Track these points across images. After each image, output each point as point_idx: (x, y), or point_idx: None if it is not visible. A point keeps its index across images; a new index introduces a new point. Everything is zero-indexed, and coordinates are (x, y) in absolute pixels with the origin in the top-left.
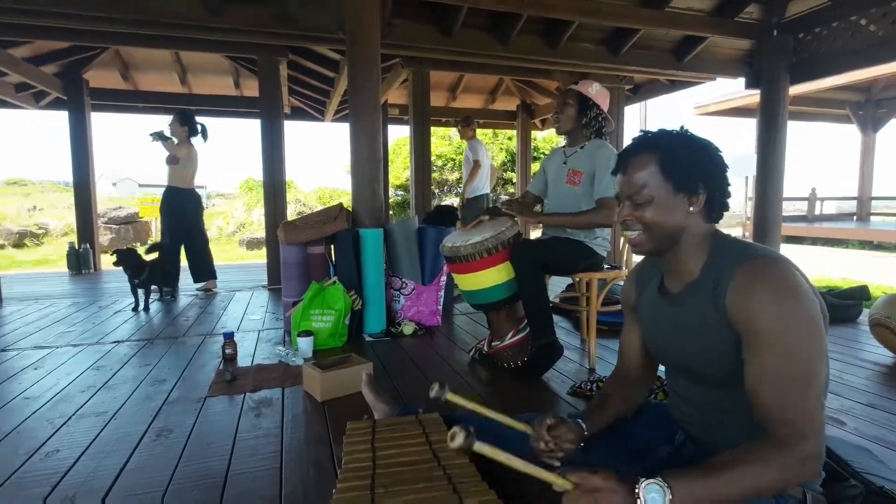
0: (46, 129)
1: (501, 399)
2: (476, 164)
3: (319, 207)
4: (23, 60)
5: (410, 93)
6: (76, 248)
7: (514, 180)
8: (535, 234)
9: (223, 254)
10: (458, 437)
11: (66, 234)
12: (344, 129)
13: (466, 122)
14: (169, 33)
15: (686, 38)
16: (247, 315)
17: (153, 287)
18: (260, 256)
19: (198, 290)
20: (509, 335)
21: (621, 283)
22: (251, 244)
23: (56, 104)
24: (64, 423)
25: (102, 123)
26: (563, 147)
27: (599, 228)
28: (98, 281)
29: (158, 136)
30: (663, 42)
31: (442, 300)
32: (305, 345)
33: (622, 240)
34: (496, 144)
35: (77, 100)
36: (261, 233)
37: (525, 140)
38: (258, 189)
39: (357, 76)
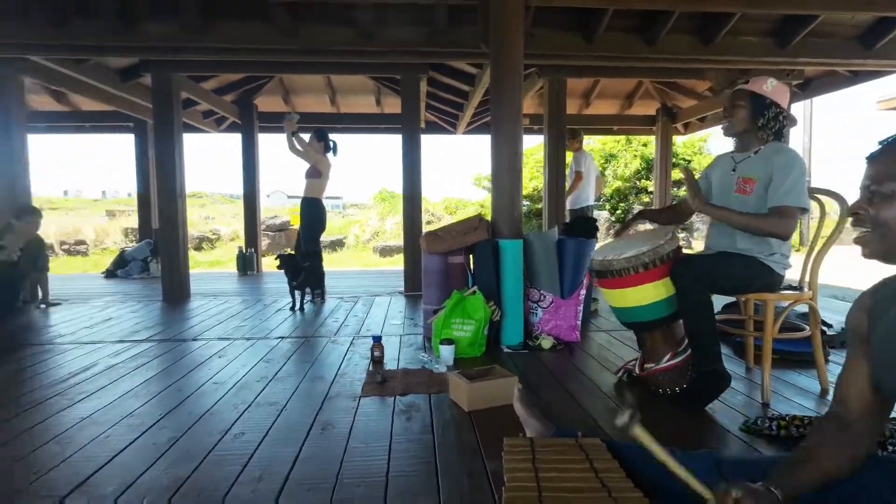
0: (214, 148)
1: (656, 429)
2: (578, 176)
3: (447, 217)
4: (210, 92)
5: (546, 102)
6: (243, 252)
7: (650, 189)
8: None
9: (359, 260)
10: (623, 416)
11: (233, 240)
12: (472, 140)
13: (573, 133)
14: (327, 59)
15: (878, 21)
16: (388, 319)
17: (307, 289)
18: (392, 263)
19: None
20: (666, 358)
21: (800, 308)
22: (384, 251)
23: (232, 127)
24: (246, 409)
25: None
26: (731, 152)
27: (777, 243)
28: (260, 281)
29: (290, 117)
30: (846, 27)
31: (581, 315)
32: (447, 353)
33: (806, 256)
34: (629, 151)
35: (248, 123)
36: (393, 240)
37: (665, 146)
38: (390, 200)
39: (500, 88)
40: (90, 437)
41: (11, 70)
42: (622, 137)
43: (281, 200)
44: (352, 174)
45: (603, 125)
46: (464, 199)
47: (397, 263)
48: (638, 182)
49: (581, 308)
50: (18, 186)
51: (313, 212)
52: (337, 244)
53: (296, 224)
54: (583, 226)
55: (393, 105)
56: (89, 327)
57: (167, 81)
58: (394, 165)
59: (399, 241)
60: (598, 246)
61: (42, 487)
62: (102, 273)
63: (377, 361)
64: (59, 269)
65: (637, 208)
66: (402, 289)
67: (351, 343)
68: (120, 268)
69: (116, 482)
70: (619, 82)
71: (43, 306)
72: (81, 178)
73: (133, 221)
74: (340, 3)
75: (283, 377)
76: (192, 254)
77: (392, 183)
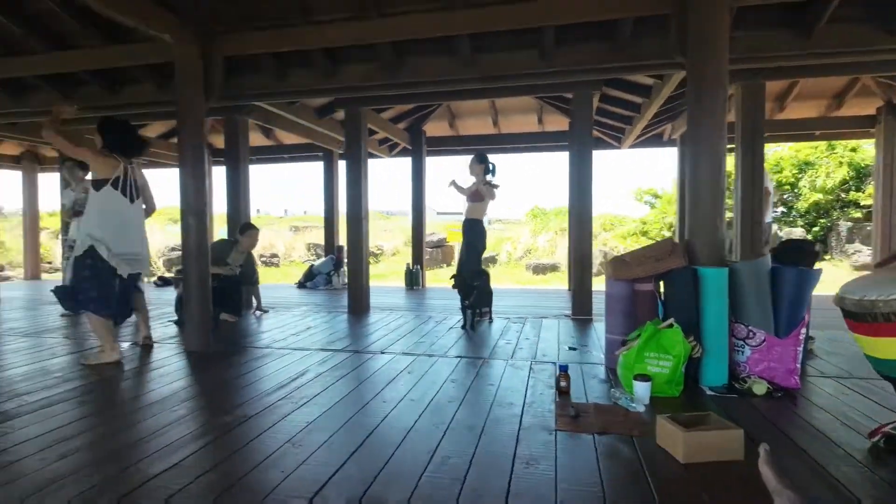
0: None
1: None
2: (765, 192)
3: (603, 234)
4: (388, 121)
5: (739, 109)
6: (410, 268)
7: (862, 202)
8: None
9: (512, 277)
10: None
11: (395, 255)
12: (632, 154)
13: None
14: (502, 84)
15: None
16: (561, 345)
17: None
18: (545, 281)
19: None
20: None
21: None
22: (537, 269)
23: (402, 152)
24: (446, 430)
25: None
26: None
27: None
28: (425, 297)
29: (453, 183)
30: None
31: (800, 357)
32: (643, 390)
33: None
34: (833, 158)
35: (418, 148)
36: (546, 258)
37: (890, 150)
38: (542, 216)
39: (700, 99)
40: (318, 442)
41: (240, 115)
42: (822, 143)
43: (429, 217)
44: (502, 191)
45: (802, 130)
46: (620, 216)
47: (550, 282)
48: (844, 194)
49: (801, 349)
50: (242, 209)
51: (476, 232)
52: (489, 261)
53: (452, 241)
54: (798, 251)
55: (555, 122)
56: (295, 335)
57: (357, 115)
58: (546, 182)
59: (552, 258)
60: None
61: (291, 487)
62: (295, 284)
63: (564, 392)
64: (261, 279)
65: (845, 224)
66: (570, 312)
67: (530, 368)
68: (308, 280)
69: (349, 491)
70: (826, 80)
71: (258, 313)
72: (265, 199)
73: (313, 237)
74: (523, 28)
75: (472, 400)
76: None
77: (544, 199)
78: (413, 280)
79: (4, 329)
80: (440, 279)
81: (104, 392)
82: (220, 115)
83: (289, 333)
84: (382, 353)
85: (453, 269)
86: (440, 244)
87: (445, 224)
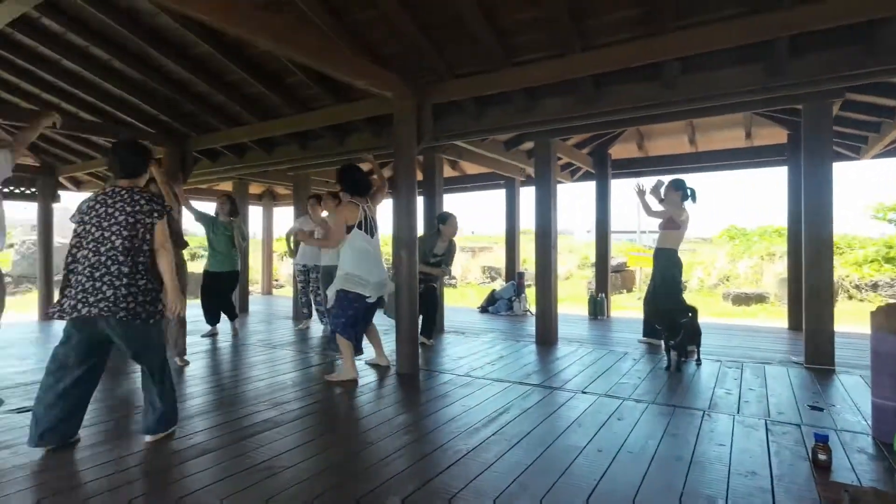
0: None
1: None
2: None
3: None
4: (572, 147)
5: None
6: (594, 295)
7: None
8: None
9: (706, 308)
10: None
11: (567, 278)
12: (869, 165)
13: None
14: (710, 104)
15: None
16: (799, 401)
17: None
18: (748, 314)
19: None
20: None
21: None
22: (738, 299)
23: (584, 176)
24: (681, 495)
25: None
26: None
27: None
28: (610, 329)
29: (638, 189)
30: None
31: None
32: None
33: None
34: None
35: (602, 172)
36: (748, 286)
37: None
38: (742, 238)
39: None
40: (544, 487)
41: (436, 152)
42: None
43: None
44: (693, 212)
45: None
46: (848, 235)
47: (756, 315)
48: None
49: None
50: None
51: (672, 263)
52: None
53: (633, 266)
54: None
55: (767, 136)
56: (490, 364)
57: (546, 146)
58: (744, 198)
59: (757, 287)
60: None
61: None
62: (478, 308)
63: (824, 467)
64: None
65: None
66: (799, 357)
67: (766, 429)
68: (490, 304)
69: None
70: None
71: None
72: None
73: (487, 259)
74: (741, 45)
75: (701, 461)
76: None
77: (741, 218)
78: (597, 309)
79: (254, 341)
80: (623, 306)
81: (342, 408)
82: (420, 153)
83: (484, 362)
84: (584, 392)
85: (634, 296)
86: (620, 268)
87: (622, 246)
